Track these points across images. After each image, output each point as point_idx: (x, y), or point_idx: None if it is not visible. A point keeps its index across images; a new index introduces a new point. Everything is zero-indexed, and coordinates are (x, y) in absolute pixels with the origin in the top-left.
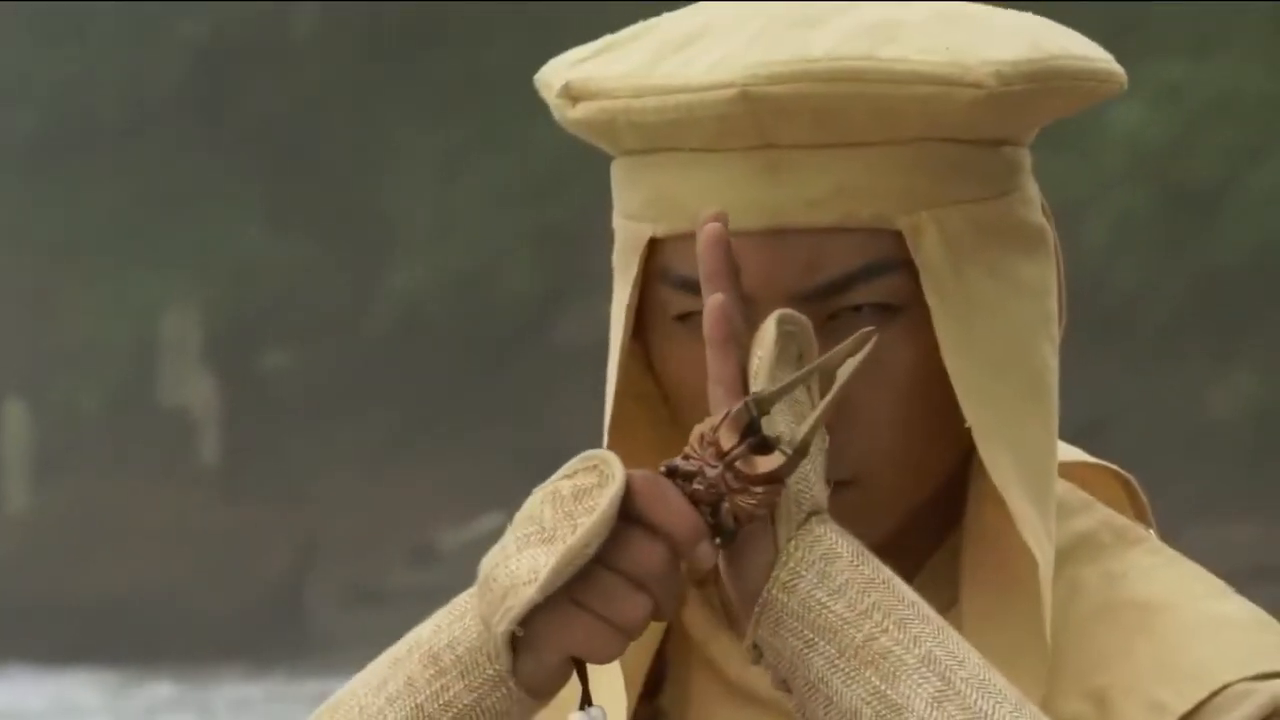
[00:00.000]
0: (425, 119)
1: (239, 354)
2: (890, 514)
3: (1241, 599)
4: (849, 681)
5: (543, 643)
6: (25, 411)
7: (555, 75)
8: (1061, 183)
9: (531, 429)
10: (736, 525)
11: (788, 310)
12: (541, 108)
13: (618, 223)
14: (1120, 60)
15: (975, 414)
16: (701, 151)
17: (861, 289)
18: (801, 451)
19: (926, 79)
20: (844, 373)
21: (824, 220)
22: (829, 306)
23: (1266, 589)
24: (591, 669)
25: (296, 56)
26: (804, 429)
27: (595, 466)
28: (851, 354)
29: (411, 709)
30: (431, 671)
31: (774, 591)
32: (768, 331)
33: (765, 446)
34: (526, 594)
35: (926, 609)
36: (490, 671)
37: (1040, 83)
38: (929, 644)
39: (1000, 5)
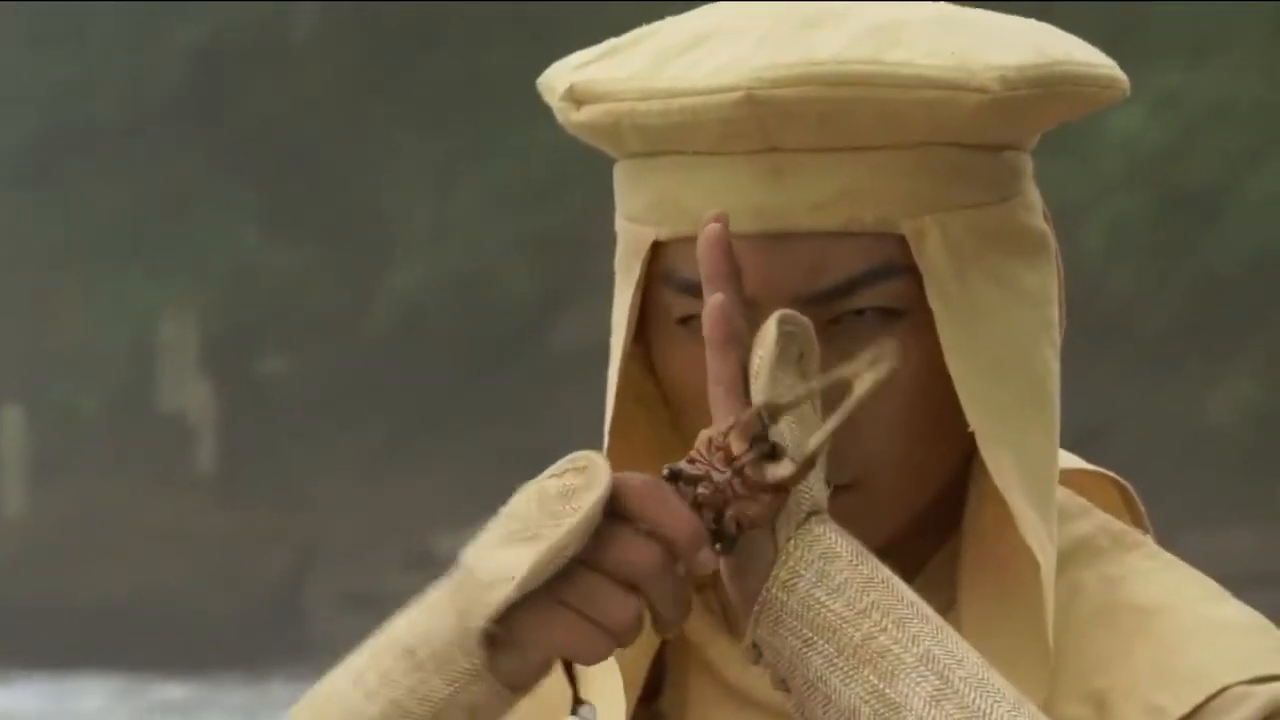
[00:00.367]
0: (424, 122)
1: (237, 358)
2: (892, 516)
3: (1239, 602)
4: (847, 680)
5: (525, 641)
6: (23, 415)
7: (559, 78)
8: (1059, 187)
9: (530, 432)
10: (739, 531)
11: (788, 311)
12: (540, 111)
13: (620, 225)
14: (1118, 65)
15: (978, 418)
16: (705, 155)
17: (865, 293)
18: (810, 462)
19: (932, 83)
20: (860, 386)
21: (828, 224)
22: (832, 310)
23: (1264, 595)
24: (590, 670)
25: (295, 59)
26: (815, 440)
27: (583, 468)
28: (870, 366)
29: (388, 703)
30: (406, 664)
31: (773, 590)
32: (768, 332)
33: (774, 454)
34: (504, 591)
35: (925, 608)
36: (466, 665)
37: (1044, 88)
38: (927, 643)
39: (1000, 8)
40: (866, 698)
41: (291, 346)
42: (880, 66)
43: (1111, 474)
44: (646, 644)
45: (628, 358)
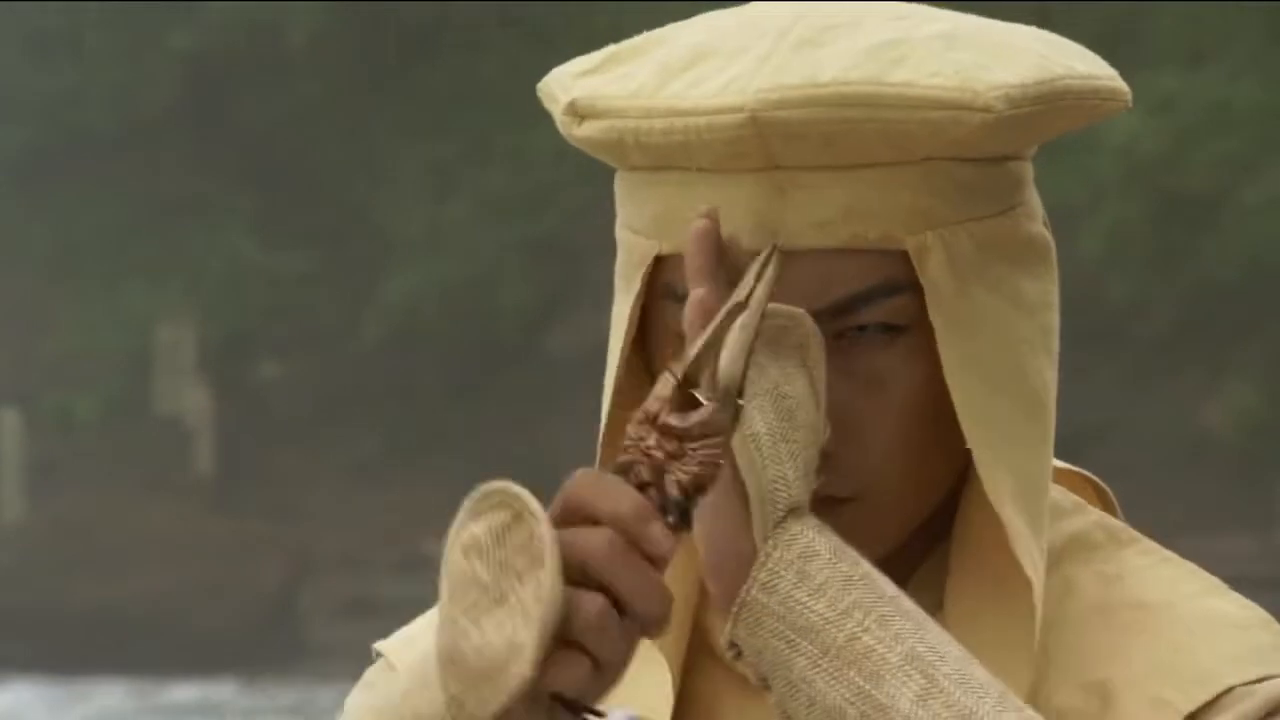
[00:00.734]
0: (419, 129)
1: (233, 364)
2: (893, 529)
3: (1237, 596)
4: (832, 681)
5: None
6: (20, 420)
7: (560, 87)
8: (1056, 192)
9: (524, 439)
10: (685, 499)
11: (776, 305)
12: (535, 118)
13: (621, 235)
14: (1114, 70)
15: (974, 433)
16: (709, 172)
17: (867, 309)
18: (729, 393)
19: (936, 103)
20: (757, 298)
21: (832, 242)
22: (834, 327)
23: (1261, 599)
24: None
25: (290, 67)
26: (725, 367)
27: (501, 502)
28: (759, 276)
29: None
30: None
31: (753, 592)
32: (734, 329)
33: (694, 404)
34: (518, 674)
35: (906, 602)
36: None
37: (1048, 104)
38: (911, 641)
39: (997, 11)
40: (852, 699)
41: (287, 352)
42: (884, 88)
43: (1088, 474)
44: (679, 630)
45: (625, 367)
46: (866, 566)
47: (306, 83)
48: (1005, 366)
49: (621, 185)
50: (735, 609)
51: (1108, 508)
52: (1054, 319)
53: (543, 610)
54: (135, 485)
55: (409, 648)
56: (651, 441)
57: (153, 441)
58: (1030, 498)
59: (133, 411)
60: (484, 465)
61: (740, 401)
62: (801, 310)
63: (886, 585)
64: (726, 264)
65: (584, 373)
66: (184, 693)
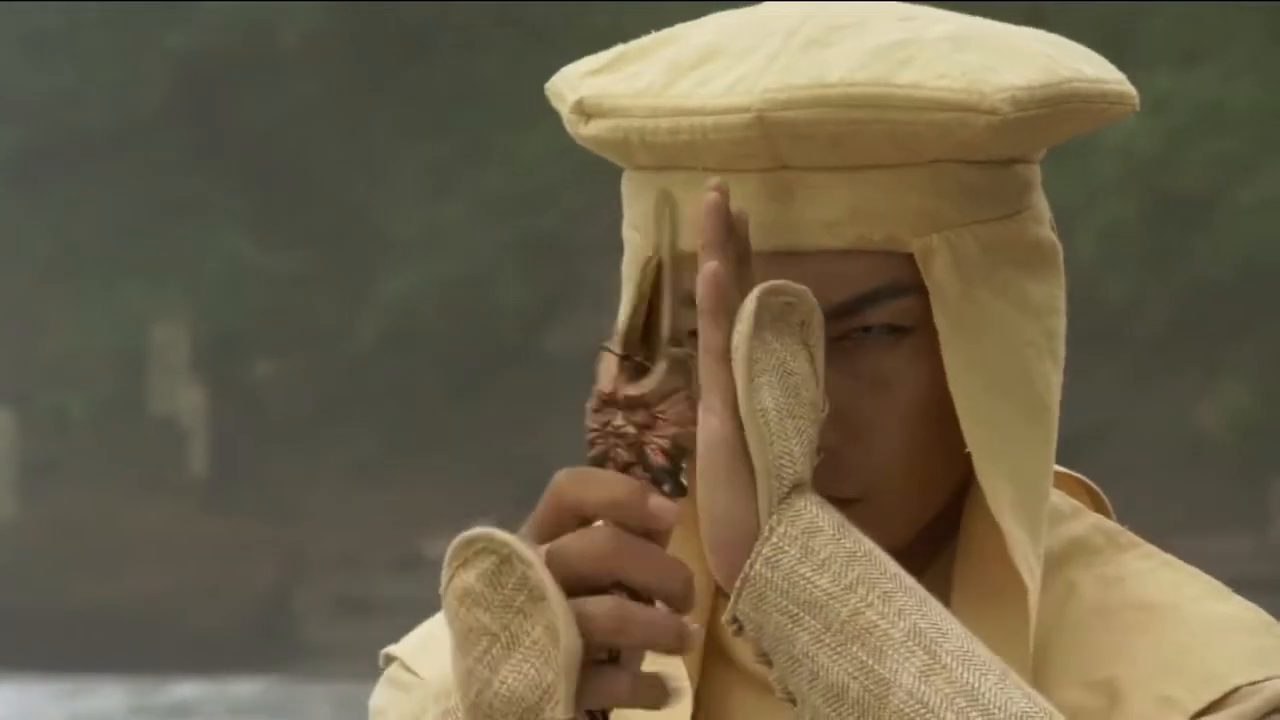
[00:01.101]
0: (415, 129)
1: (228, 365)
2: (898, 530)
3: (1239, 598)
4: (836, 656)
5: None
6: (13, 421)
7: (568, 87)
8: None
9: (520, 438)
10: (671, 463)
11: (782, 281)
12: (532, 120)
13: (628, 234)
14: None
15: (975, 437)
16: (715, 171)
17: (872, 311)
18: (673, 343)
19: (943, 105)
20: (667, 244)
21: (837, 243)
22: (839, 327)
23: (1258, 600)
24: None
25: (286, 68)
26: (666, 324)
27: (484, 548)
28: (663, 229)
29: None
30: None
31: (757, 567)
32: (747, 305)
33: (643, 371)
34: (554, 717)
35: (908, 579)
36: None
37: (1054, 106)
38: (914, 617)
39: (995, 12)
40: (855, 674)
41: (283, 352)
42: (891, 89)
43: (1082, 477)
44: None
45: None
46: (869, 544)
47: (304, 83)
48: (1009, 370)
49: (627, 185)
50: (738, 583)
51: (1101, 511)
52: (1060, 323)
53: (563, 650)
54: (131, 485)
55: (424, 652)
56: (619, 420)
57: (148, 441)
58: (1030, 504)
59: (128, 411)
60: (482, 465)
61: (683, 349)
62: (804, 287)
63: (889, 562)
64: (736, 237)
65: (583, 373)
66: (180, 691)
